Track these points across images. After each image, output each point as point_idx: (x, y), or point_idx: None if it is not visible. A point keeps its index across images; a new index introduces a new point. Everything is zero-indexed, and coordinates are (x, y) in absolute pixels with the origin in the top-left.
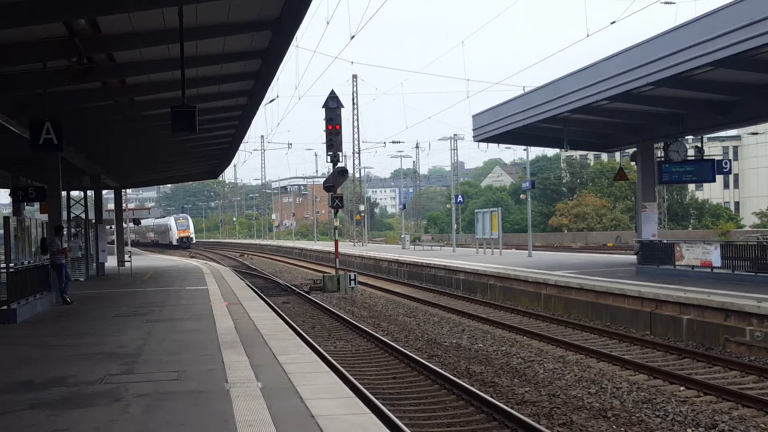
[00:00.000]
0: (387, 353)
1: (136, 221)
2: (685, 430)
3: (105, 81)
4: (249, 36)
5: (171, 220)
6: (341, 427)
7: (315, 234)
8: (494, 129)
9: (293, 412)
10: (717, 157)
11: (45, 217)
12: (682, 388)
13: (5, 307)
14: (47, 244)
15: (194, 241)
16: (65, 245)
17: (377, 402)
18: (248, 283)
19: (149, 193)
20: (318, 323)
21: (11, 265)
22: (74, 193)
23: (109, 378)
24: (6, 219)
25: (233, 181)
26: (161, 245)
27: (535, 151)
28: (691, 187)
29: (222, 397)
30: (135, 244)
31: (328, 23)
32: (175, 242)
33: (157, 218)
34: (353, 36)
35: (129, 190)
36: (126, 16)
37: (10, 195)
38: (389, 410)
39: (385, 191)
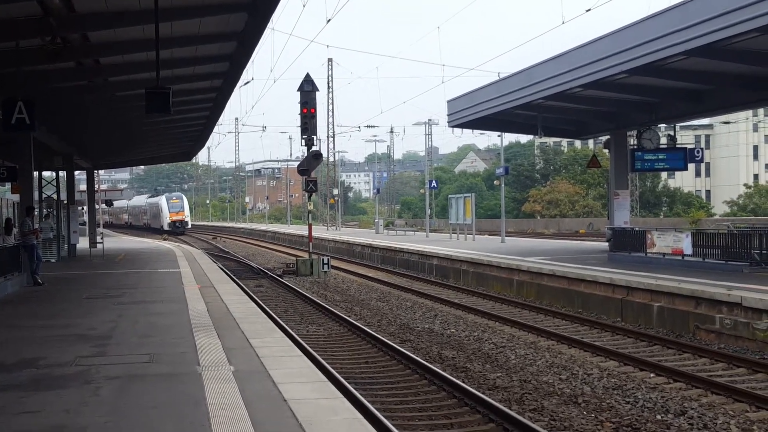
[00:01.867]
0: (360, 338)
1: (109, 202)
2: (655, 416)
3: (79, 61)
4: (225, 18)
5: (162, 201)
6: (313, 410)
7: (288, 217)
8: (469, 114)
9: (265, 395)
10: (689, 146)
11: (17, 197)
12: (652, 375)
13: None
14: (18, 224)
15: (190, 225)
16: (36, 226)
17: (349, 386)
18: (221, 266)
19: (122, 175)
20: (291, 307)
21: None
22: (46, 174)
23: (80, 360)
24: None
25: (207, 163)
26: (153, 230)
27: (509, 138)
28: (664, 175)
29: (194, 380)
30: (128, 227)
31: (304, 6)
32: (166, 227)
33: (149, 197)
34: (329, 20)
35: (102, 172)
36: None
37: None
38: (361, 394)
39: (359, 175)
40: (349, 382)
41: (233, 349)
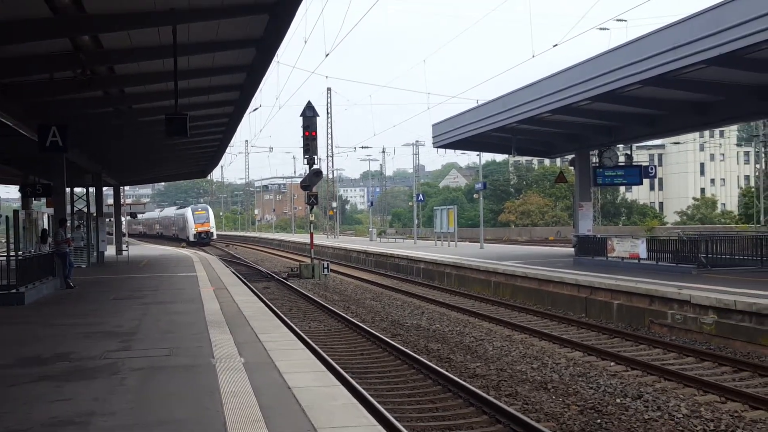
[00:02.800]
0: (355, 332)
1: (133, 215)
2: (615, 399)
3: (106, 90)
4: (235, 52)
5: (188, 212)
6: (314, 397)
7: (293, 227)
8: (452, 136)
9: (272, 384)
10: (644, 163)
11: (51, 210)
12: (612, 364)
13: (14, 290)
14: (52, 234)
15: (215, 236)
16: (68, 236)
17: (346, 375)
18: (233, 270)
19: (145, 190)
20: (295, 306)
21: (20, 253)
22: (77, 190)
23: (108, 354)
24: (15, 213)
25: (220, 180)
26: (180, 240)
27: (487, 156)
28: (622, 189)
29: (209, 371)
30: (158, 237)
31: (305, 42)
32: (192, 238)
33: (177, 209)
34: (327, 54)
35: (127, 187)
36: (125, 33)
37: (19, 191)
38: (357, 382)
39: (355, 190)
40: (346, 372)
41: (244, 343)
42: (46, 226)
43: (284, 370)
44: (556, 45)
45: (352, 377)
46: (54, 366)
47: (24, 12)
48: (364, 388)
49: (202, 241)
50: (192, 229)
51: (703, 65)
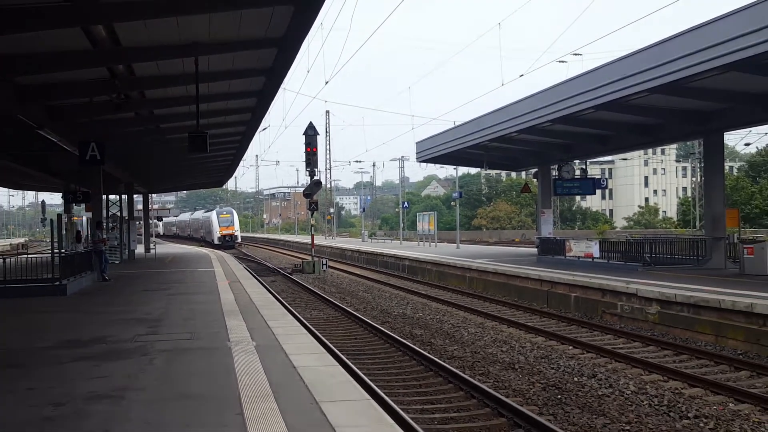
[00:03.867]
0: (350, 320)
1: (159, 218)
2: (573, 378)
3: (137, 112)
4: (248, 80)
5: (213, 215)
6: (316, 375)
7: (296, 229)
8: (432, 152)
9: (280, 363)
10: (597, 176)
11: (88, 214)
12: (570, 348)
13: (58, 282)
14: (90, 235)
15: (239, 240)
16: (104, 236)
17: (343, 357)
18: (245, 266)
19: (169, 197)
20: (298, 297)
21: (62, 250)
22: (112, 197)
23: (138, 337)
24: (59, 216)
25: (234, 188)
26: (207, 242)
27: (462, 169)
28: (577, 198)
29: (225, 352)
30: (188, 238)
31: (308, 71)
32: (216, 241)
33: (205, 212)
34: (327, 82)
35: (154, 195)
36: (155, 64)
37: (62, 197)
38: (352, 363)
39: (349, 198)
40: (343, 354)
41: (255, 329)
42: (80, 228)
43: (290, 351)
44: (522, 75)
45: (347, 358)
46: (92, 348)
47: (68, 44)
48: (358, 368)
49: (227, 243)
50: (216, 232)
51: (647, 93)
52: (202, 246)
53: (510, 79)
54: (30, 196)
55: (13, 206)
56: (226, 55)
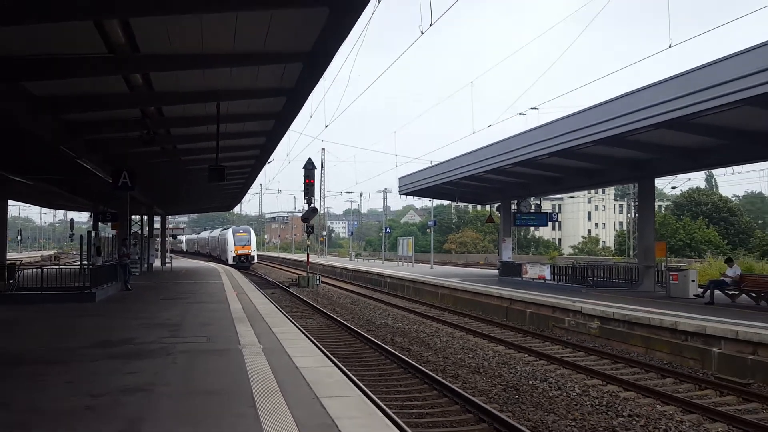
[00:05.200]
0: (340, 328)
1: (174, 236)
2: (528, 381)
3: (162, 146)
4: (261, 122)
5: (229, 234)
6: (316, 374)
7: (292, 248)
8: (412, 187)
9: (285, 364)
10: (549, 211)
11: (108, 231)
12: (526, 356)
13: (88, 290)
14: (117, 250)
15: (256, 260)
16: (128, 251)
17: (335, 360)
18: (249, 280)
19: (182, 218)
20: (295, 307)
21: (92, 262)
22: (135, 217)
23: (161, 339)
24: (88, 233)
25: (239, 212)
26: (222, 262)
27: (436, 201)
28: (532, 228)
29: (237, 354)
30: (209, 256)
31: (311, 116)
32: (231, 261)
33: (223, 230)
34: (327, 125)
35: (170, 216)
36: (181, 106)
37: (91, 217)
38: (344, 365)
39: (338, 222)
40: (335, 357)
41: (261, 334)
42: (100, 245)
43: (292, 354)
44: (490, 126)
45: (339, 361)
46: (121, 348)
47: (109, 88)
48: (347, 368)
49: (242, 264)
50: (231, 252)
51: (593, 144)
52: (207, 260)
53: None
54: (60, 214)
55: (45, 222)
56: (242, 101)
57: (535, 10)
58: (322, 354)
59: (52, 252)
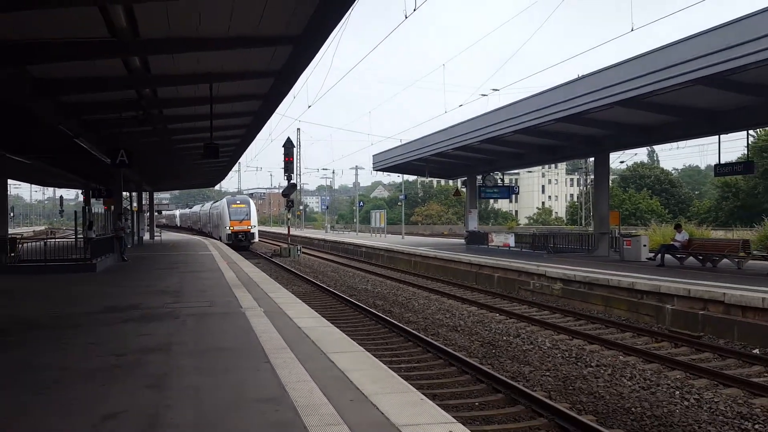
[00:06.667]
0: (325, 293)
1: (159, 211)
2: (502, 337)
3: (155, 126)
4: (248, 103)
5: (223, 206)
6: (318, 333)
7: (271, 222)
8: (385, 164)
9: (287, 324)
10: (511, 185)
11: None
12: (497, 315)
13: (89, 261)
14: (113, 224)
15: (257, 238)
16: (123, 225)
17: (327, 320)
18: (235, 251)
19: (164, 195)
20: (280, 276)
21: (83, 235)
22: (125, 193)
23: (167, 305)
24: (83, 209)
25: (219, 189)
26: (217, 239)
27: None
28: (491, 201)
29: (241, 316)
30: (200, 233)
31: (294, 97)
32: (225, 239)
33: (214, 202)
34: (310, 106)
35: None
36: (175, 88)
37: (80, 194)
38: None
39: (312, 197)
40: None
41: (259, 298)
42: (93, 219)
43: (292, 315)
44: (461, 105)
45: (330, 322)
46: (131, 312)
47: (108, 71)
48: (338, 328)
49: (240, 243)
50: (227, 228)
51: (554, 122)
52: (191, 233)
53: (451, 108)
54: (49, 191)
55: (35, 200)
56: (233, 83)
57: None
58: (319, 316)
59: (42, 228)
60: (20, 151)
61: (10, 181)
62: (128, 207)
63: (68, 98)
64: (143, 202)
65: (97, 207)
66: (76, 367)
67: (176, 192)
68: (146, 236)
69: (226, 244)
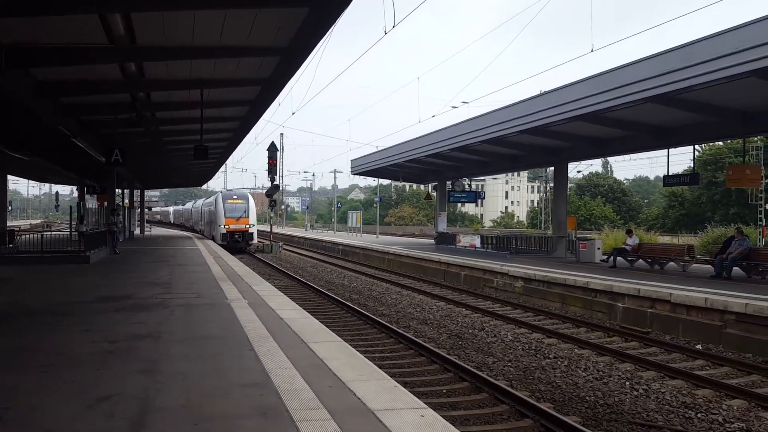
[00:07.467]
0: (304, 287)
1: (149, 208)
2: (468, 330)
3: (148, 127)
4: (236, 108)
5: (218, 202)
6: (299, 324)
7: (255, 220)
8: (363, 168)
9: (270, 315)
10: (477, 190)
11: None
12: (464, 310)
13: (83, 253)
14: (106, 219)
15: (255, 239)
16: (115, 220)
17: (307, 312)
18: (220, 247)
19: (154, 192)
20: (263, 270)
21: (77, 229)
22: (117, 190)
23: (156, 295)
24: (78, 204)
25: (206, 188)
26: (211, 238)
27: (379, 181)
28: (459, 205)
29: (227, 307)
30: (192, 230)
31: (279, 104)
32: (220, 239)
33: (207, 198)
34: (294, 113)
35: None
36: (168, 92)
37: (75, 190)
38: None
39: (293, 198)
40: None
41: (243, 291)
42: (84, 214)
43: (275, 307)
44: (434, 116)
45: (311, 314)
46: (123, 302)
47: (106, 75)
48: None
49: (237, 244)
50: (221, 226)
51: (518, 133)
52: (179, 229)
53: (425, 118)
54: (45, 187)
55: (32, 195)
56: (223, 89)
57: (474, 17)
58: (300, 307)
59: (38, 221)
60: (20, 148)
61: (9, 177)
62: (120, 203)
63: (67, 99)
64: (135, 199)
65: (91, 203)
66: (71, 352)
67: (166, 190)
68: (137, 231)
69: (220, 244)
